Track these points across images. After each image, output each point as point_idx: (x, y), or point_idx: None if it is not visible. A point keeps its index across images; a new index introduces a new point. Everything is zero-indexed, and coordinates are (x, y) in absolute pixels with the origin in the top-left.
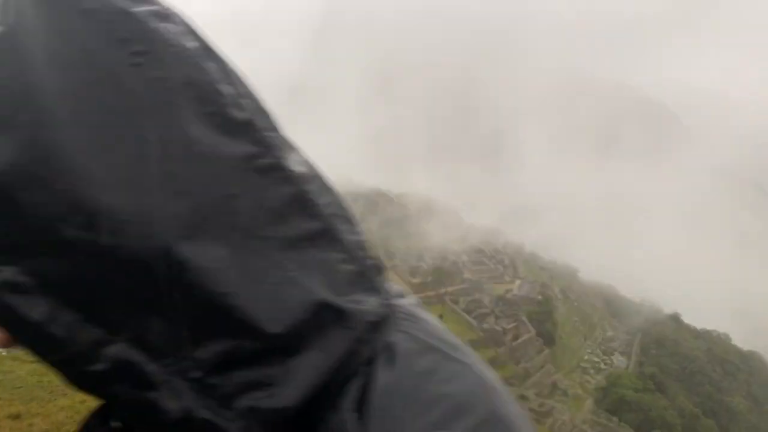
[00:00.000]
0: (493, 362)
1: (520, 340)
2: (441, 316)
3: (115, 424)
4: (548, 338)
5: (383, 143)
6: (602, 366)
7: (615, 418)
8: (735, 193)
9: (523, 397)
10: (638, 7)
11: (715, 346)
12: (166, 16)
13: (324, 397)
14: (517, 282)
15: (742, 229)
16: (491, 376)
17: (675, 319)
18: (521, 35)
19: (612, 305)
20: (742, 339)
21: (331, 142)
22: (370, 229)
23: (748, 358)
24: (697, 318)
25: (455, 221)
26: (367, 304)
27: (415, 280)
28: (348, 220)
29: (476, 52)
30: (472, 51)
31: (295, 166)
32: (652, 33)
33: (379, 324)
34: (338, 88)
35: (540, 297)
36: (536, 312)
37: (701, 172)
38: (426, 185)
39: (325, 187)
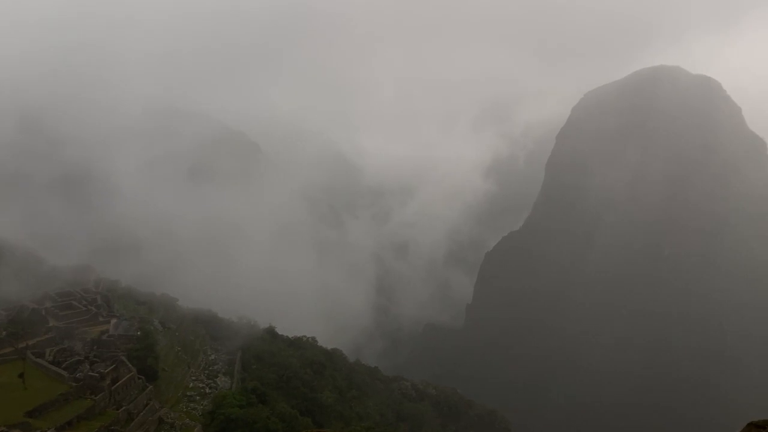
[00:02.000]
0: (91, 412)
1: (120, 382)
2: (21, 375)
3: None
4: (151, 374)
5: None
6: (207, 390)
7: None
8: (313, 210)
9: None
10: (216, 44)
11: (305, 350)
12: None
13: None
14: (113, 321)
15: (321, 240)
16: None
17: (271, 332)
18: (109, 63)
19: (213, 329)
20: (326, 339)
21: None
22: None
23: (332, 355)
24: (289, 327)
25: (33, 265)
26: None
27: None
28: None
29: (58, 75)
30: (52, 74)
31: None
32: (232, 68)
33: None
34: None
35: (139, 333)
36: (136, 349)
37: (284, 193)
38: None
39: None
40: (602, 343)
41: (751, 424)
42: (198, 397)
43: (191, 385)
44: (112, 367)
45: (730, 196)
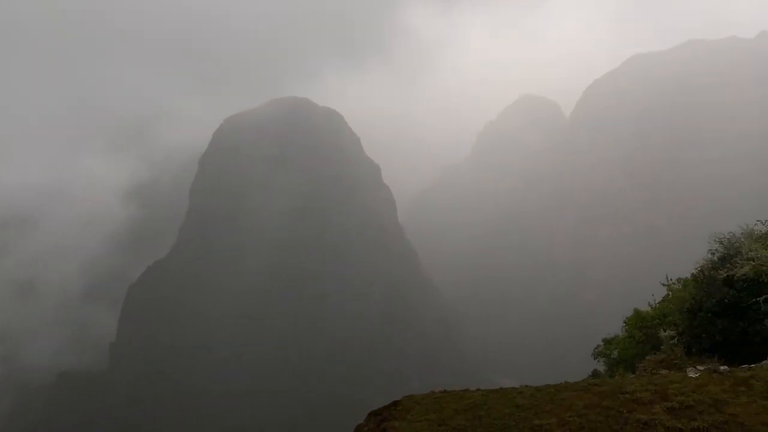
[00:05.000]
0: None
1: None
2: None
3: None
4: None
5: None
6: None
7: None
8: None
9: None
10: None
11: None
12: None
13: None
14: None
15: None
16: None
17: None
18: None
19: None
20: None
21: None
22: None
23: None
24: None
25: None
26: None
27: None
28: None
29: None
30: None
31: None
32: None
33: None
34: None
35: None
36: None
37: None
38: None
39: None
40: (251, 361)
41: (371, 413)
42: None
43: None
44: None
45: (355, 214)
